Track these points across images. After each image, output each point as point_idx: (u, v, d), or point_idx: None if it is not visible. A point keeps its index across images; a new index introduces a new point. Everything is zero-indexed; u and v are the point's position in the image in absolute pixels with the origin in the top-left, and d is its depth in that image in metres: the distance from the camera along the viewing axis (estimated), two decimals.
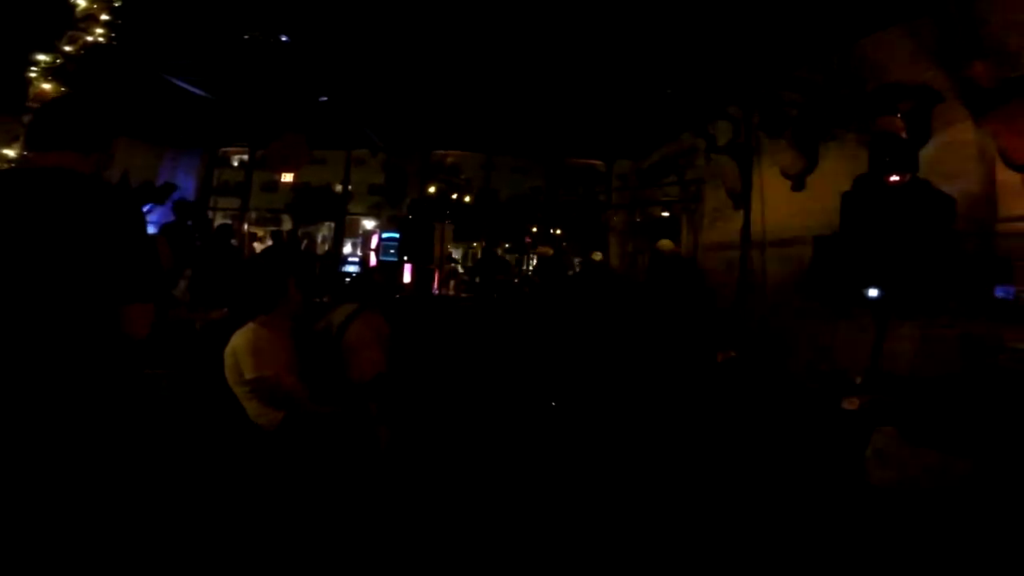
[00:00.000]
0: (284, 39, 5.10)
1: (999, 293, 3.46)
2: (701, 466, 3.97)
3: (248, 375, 2.97)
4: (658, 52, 5.15)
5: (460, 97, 6.81)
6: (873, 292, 3.39)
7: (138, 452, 2.68)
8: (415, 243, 8.22)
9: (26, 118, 3.26)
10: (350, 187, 10.39)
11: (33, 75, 3.29)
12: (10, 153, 3.33)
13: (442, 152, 10.34)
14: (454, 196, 9.59)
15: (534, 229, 8.89)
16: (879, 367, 3.62)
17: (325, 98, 6.80)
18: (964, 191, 3.52)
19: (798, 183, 5.28)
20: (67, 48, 3.30)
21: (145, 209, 8.38)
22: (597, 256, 6.96)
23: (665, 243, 5.99)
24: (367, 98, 7.00)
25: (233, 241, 7.96)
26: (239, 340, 3.05)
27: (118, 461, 1.74)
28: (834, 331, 4.56)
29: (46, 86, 3.23)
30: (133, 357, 1.73)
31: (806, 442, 3.63)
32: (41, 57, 3.31)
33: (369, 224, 11.93)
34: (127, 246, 1.58)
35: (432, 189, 9.54)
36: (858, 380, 3.86)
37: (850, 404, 3.59)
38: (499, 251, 10.01)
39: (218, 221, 10.88)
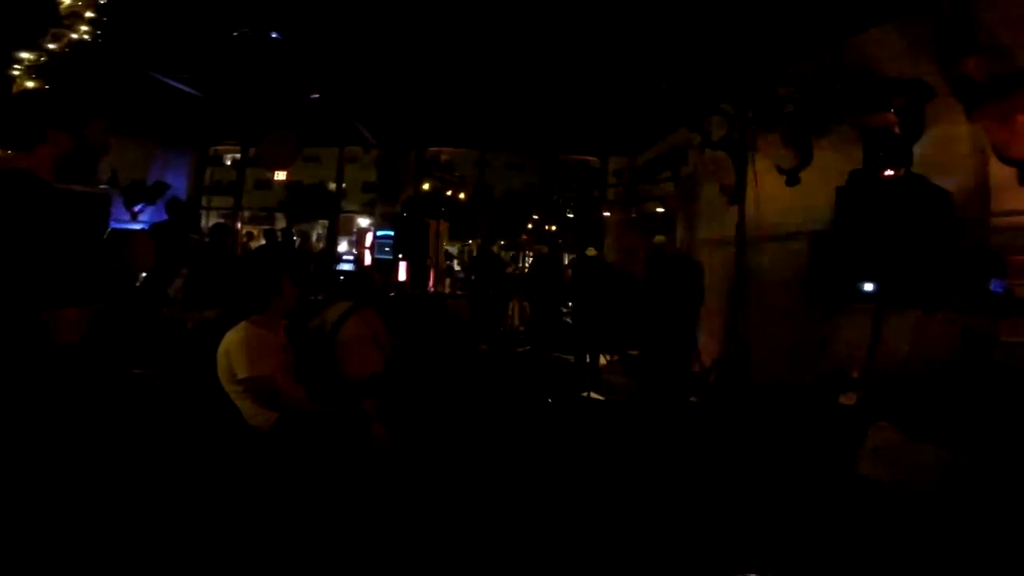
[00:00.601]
0: (275, 35, 5.04)
1: (994, 287, 3.48)
2: (700, 461, 3.98)
3: (241, 375, 2.95)
4: (652, 48, 5.13)
5: (454, 93, 6.78)
6: (869, 286, 3.39)
7: (125, 452, 2.65)
8: (410, 241, 8.19)
9: None
10: (344, 185, 10.34)
11: (16, 73, 3.24)
12: None
13: (436, 149, 10.30)
14: (448, 193, 9.55)
15: (529, 226, 8.85)
16: (876, 362, 3.63)
17: (317, 95, 6.75)
18: (957, 186, 3.53)
19: (792, 178, 5.28)
20: (51, 46, 3.24)
21: (137, 208, 8.36)
22: (591, 252, 6.93)
23: (660, 239, 5.97)
24: (359, 95, 6.96)
25: (225, 241, 7.90)
26: (232, 339, 3.02)
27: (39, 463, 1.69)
28: (830, 326, 4.57)
29: (29, 84, 3.17)
30: (61, 364, 1.63)
31: (803, 437, 3.63)
32: (24, 55, 3.25)
33: (363, 222, 11.88)
34: (35, 247, 1.49)
35: (427, 186, 9.50)
36: (855, 375, 3.87)
37: (847, 399, 3.61)
38: (494, 248, 9.98)
39: (211, 220, 10.82)
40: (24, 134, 1.62)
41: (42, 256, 1.49)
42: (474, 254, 9.29)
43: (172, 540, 2.48)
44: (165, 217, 6.65)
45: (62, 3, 3.23)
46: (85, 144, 1.71)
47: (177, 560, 2.38)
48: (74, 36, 3.26)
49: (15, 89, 3.16)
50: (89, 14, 3.27)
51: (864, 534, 2.75)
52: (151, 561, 2.33)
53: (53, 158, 1.61)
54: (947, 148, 3.78)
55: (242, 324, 3.07)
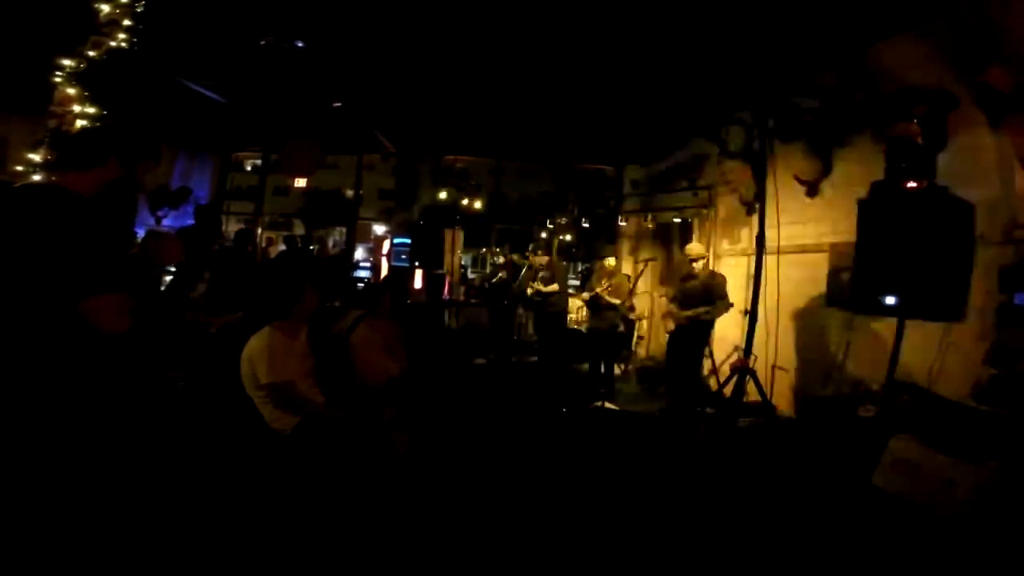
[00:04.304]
0: (299, 45, 5.15)
1: (1019, 300, 3.42)
2: (716, 472, 3.95)
3: (263, 380, 2.99)
4: (670, 57, 5.15)
5: (471, 102, 6.84)
6: (891, 299, 3.36)
7: (149, 453, 2.70)
8: (426, 249, 8.24)
9: (51, 122, 3.33)
10: (361, 191, 10.46)
11: (58, 79, 3.36)
12: (35, 157, 3.39)
13: (452, 157, 10.38)
14: (464, 201, 9.61)
15: (543, 235, 8.86)
16: (896, 374, 3.58)
17: (339, 103, 6.85)
18: (982, 197, 3.48)
19: (813, 189, 5.25)
20: (91, 53, 3.36)
21: (160, 213, 8.51)
22: (611, 262, 6.90)
23: (694, 248, 5.83)
24: (380, 103, 7.05)
25: (248, 246, 8.02)
26: (255, 345, 3.07)
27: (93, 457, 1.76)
28: (851, 338, 4.52)
29: (70, 90, 3.29)
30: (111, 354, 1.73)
31: (822, 449, 3.59)
32: (66, 62, 3.38)
33: (379, 229, 11.97)
34: (62, 246, 1.58)
35: (443, 195, 9.56)
36: (875, 387, 3.82)
37: (867, 411, 3.56)
38: (515, 257, 9.98)
39: (231, 225, 11.00)
40: (87, 157, 1.76)
41: (69, 260, 1.58)
42: (489, 262, 9.20)
43: (193, 540, 2.52)
44: (189, 222, 6.79)
45: (101, 11, 3.35)
46: (133, 178, 1.81)
47: (198, 560, 2.41)
48: (112, 44, 3.37)
49: (57, 96, 3.28)
50: (127, 22, 3.39)
51: (883, 547, 2.71)
52: (172, 561, 2.36)
53: (101, 183, 1.72)
54: (971, 159, 3.73)
55: (265, 330, 3.12)
